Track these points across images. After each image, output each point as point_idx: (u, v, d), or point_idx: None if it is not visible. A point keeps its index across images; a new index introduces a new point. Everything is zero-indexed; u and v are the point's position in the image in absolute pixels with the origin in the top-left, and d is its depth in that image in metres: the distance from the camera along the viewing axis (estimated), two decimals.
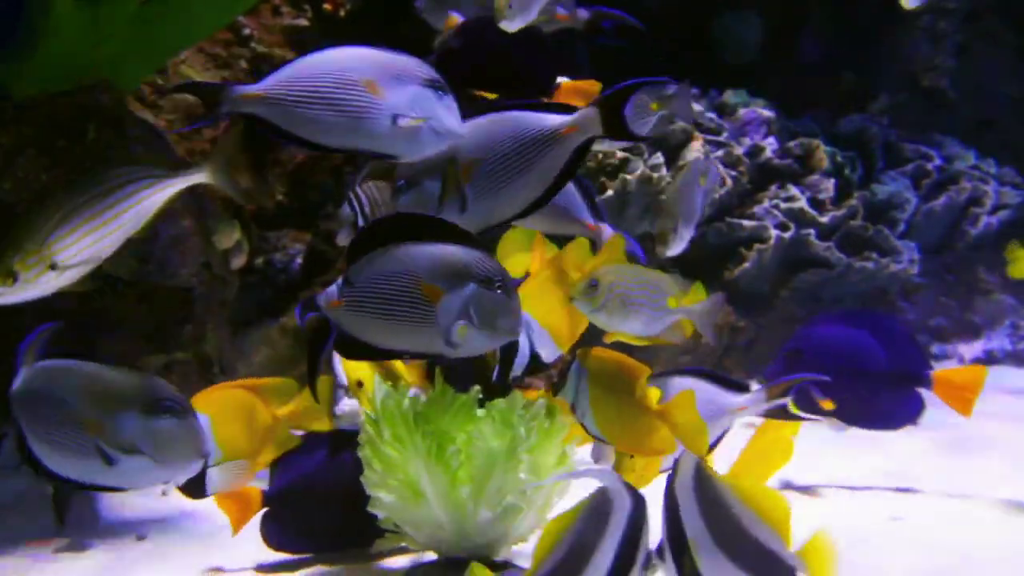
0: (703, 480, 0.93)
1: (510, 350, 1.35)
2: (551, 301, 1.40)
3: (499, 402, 1.34)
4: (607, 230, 1.38)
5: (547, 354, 1.40)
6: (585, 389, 1.28)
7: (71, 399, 1.05)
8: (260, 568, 1.44)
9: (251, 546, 1.44)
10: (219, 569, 1.44)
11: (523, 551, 1.42)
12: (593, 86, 1.53)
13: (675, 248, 1.57)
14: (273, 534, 1.43)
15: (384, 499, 1.32)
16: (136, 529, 1.58)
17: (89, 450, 1.04)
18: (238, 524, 1.39)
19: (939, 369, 1.62)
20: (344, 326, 1.09)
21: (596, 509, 0.88)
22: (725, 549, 0.91)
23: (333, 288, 1.10)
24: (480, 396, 1.36)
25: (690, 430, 1.20)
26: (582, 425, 1.30)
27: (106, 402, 1.04)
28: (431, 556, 1.40)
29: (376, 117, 1.10)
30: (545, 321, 1.39)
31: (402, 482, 1.31)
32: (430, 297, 1.05)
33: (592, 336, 1.42)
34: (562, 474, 1.34)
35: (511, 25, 1.39)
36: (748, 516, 0.93)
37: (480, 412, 1.36)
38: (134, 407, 1.04)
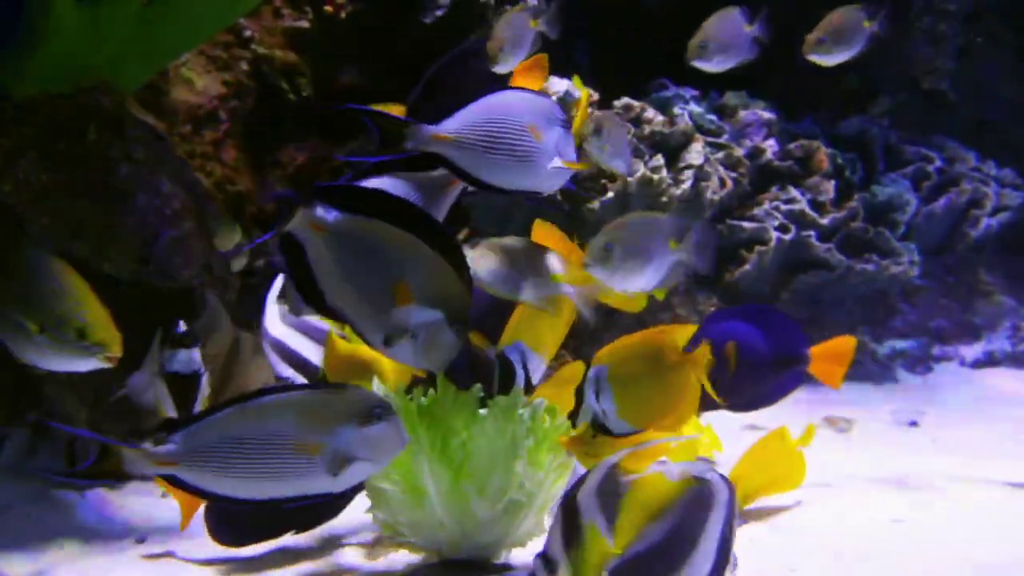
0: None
1: (507, 376, 1.37)
2: (540, 325, 1.42)
3: (501, 400, 1.34)
4: None
5: (536, 370, 1.43)
6: (607, 388, 1.27)
7: (288, 431, 1.03)
8: (260, 569, 1.44)
9: (251, 546, 1.44)
10: (221, 570, 1.44)
11: (522, 555, 1.42)
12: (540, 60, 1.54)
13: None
14: (215, 527, 1.42)
15: (387, 490, 1.32)
16: (136, 532, 1.58)
17: (313, 470, 1.04)
18: (187, 516, 1.40)
19: (814, 347, 1.64)
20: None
21: (696, 497, 0.88)
22: None
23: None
24: (481, 395, 1.36)
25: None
26: (603, 432, 1.29)
27: (323, 424, 1.04)
28: (431, 559, 1.39)
29: (540, 161, 1.18)
30: (535, 344, 1.41)
31: (404, 478, 1.30)
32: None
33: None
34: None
35: (503, 68, 1.46)
36: None
37: (482, 411, 1.35)
38: (351, 421, 1.04)
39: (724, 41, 1.74)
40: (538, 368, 1.42)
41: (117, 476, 1.09)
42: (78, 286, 1.29)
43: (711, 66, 1.76)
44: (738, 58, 1.76)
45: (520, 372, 1.38)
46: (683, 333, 1.27)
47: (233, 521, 1.42)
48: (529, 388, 1.40)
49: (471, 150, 1.16)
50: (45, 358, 1.29)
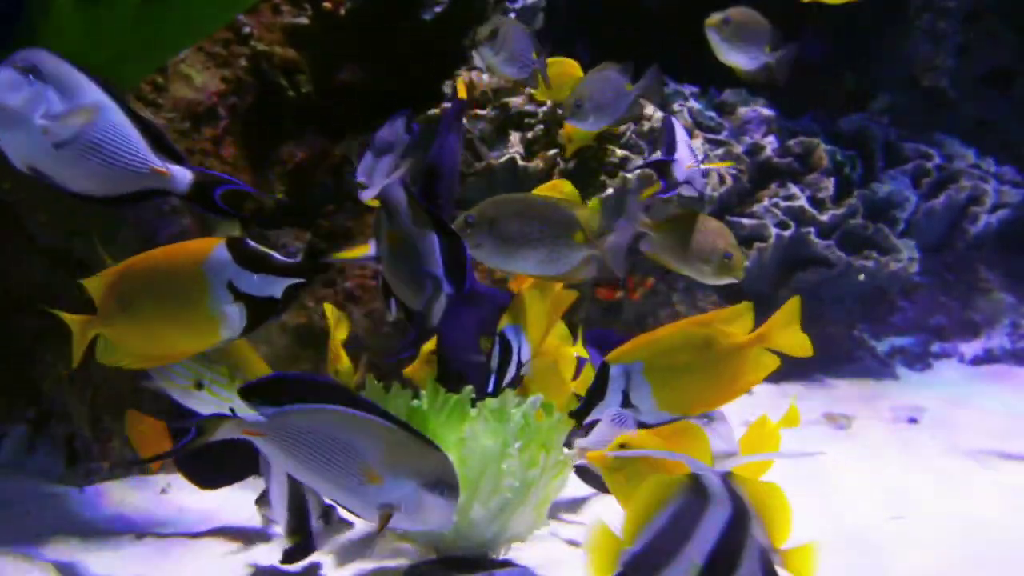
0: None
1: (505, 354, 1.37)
2: (535, 313, 1.41)
3: (491, 401, 1.34)
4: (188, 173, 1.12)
5: (526, 355, 1.41)
6: (641, 383, 1.25)
7: (366, 452, 1.04)
8: (259, 566, 1.44)
9: (251, 544, 1.44)
10: (220, 564, 1.44)
11: (523, 550, 1.42)
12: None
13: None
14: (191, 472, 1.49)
15: None
16: (135, 527, 1.58)
17: (362, 491, 1.04)
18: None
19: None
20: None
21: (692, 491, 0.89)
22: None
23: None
24: (472, 396, 1.37)
25: (796, 342, 1.22)
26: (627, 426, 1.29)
27: (397, 465, 1.04)
28: (429, 555, 1.40)
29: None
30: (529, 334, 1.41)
31: None
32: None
33: None
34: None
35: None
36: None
37: (473, 411, 1.36)
38: (418, 479, 1.04)
39: (600, 101, 1.74)
40: (527, 352, 1.41)
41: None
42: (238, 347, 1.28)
43: (587, 125, 1.78)
44: (615, 116, 1.77)
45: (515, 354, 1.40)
46: (737, 320, 1.24)
47: (205, 466, 1.47)
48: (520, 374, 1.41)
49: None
50: (208, 406, 1.30)
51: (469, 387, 1.36)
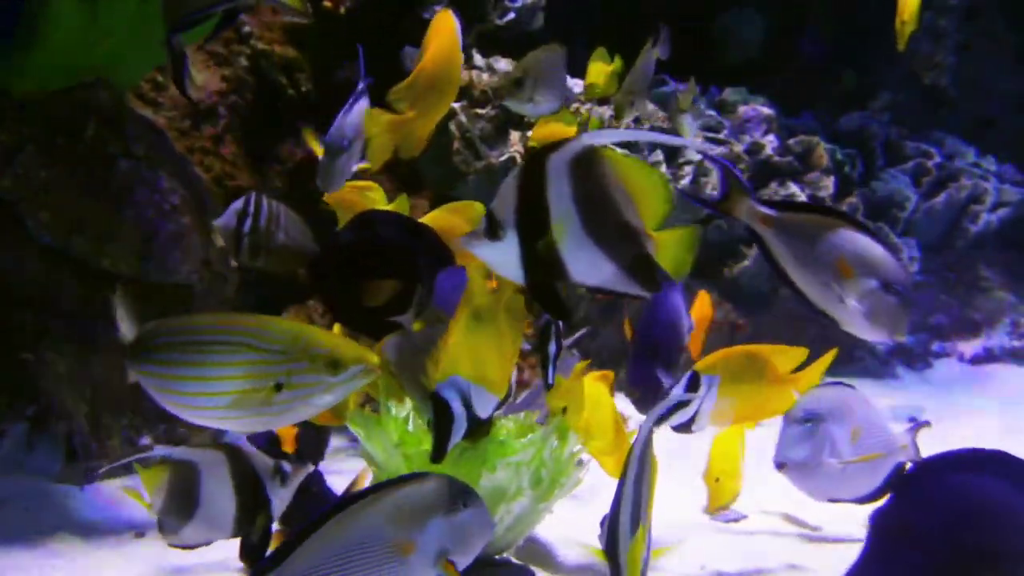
0: (581, 160, 0.93)
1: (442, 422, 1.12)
2: (479, 348, 1.13)
3: (513, 456, 1.31)
4: None
5: (485, 410, 1.14)
6: (713, 395, 1.36)
7: (381, 534, 1.00)
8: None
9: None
10: (219, 565, 1.44)
11: (523, 547, 1.42)
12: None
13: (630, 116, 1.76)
14: None
15: None
16: (135, 526, 1.58)
17: (408, 570, 0.98)
18: None
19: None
20: None
21: None
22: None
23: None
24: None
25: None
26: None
27: (413, 520, 0.99)
28: None
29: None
30: (476, 374, 1.13)
31: None
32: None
33: None
34: None
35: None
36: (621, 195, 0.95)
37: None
38: (438, 513, 1.01)
39: (545, 80, 1.62)
40: (482, 399, 1.13)
41: None
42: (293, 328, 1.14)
43: (530, 109, 1.64)
44: (560, 97, 1.64)
45: (460, 414, 1.12)
46: (790, 357, 1.40)
47: None
48: (474, 424, 1.14)
49: None
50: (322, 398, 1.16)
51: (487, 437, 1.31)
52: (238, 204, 1.43)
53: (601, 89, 1.85)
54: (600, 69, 1.82)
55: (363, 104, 1.41)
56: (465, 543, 0.99)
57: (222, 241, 1.45)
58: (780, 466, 1.37)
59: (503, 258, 0.96)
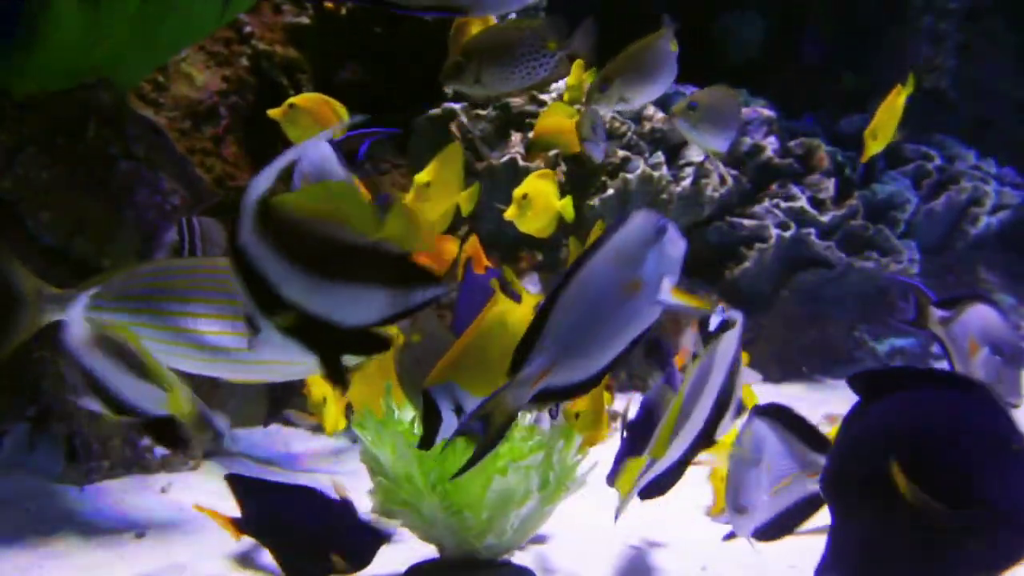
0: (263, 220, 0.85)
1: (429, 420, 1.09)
2: (485, 357, 1.10)
3: (522, 458, 1.32)
4: None
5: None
6: None
7: (613, 283, 1.00)
8: (261, 565, 1.44)
9: (252, 543, 1.44)
10: (218, 565, 1.44)
11: (525, 548, 1.42)
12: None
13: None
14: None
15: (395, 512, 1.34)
16: (135, 526, 1.58)
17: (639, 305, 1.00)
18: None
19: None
20: None
21: None
22: None
23: None
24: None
25: None
26: None
27: (634, 260, 0.99)
28: (432, 554, 1.40)
29: None
30: (475, 384, 1.09)
31: (411, 511, 1.33)
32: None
33: None
34: None
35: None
36: None
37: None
38: (650, 246, 0.99)
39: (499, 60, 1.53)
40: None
41: None
42: None
43: (486, 88, 1.56)
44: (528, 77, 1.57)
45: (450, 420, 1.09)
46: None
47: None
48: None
49: None
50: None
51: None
52: (172, 235, 1.43)
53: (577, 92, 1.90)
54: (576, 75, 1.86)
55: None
56: (673, 263, 1.02)
57: None
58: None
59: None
